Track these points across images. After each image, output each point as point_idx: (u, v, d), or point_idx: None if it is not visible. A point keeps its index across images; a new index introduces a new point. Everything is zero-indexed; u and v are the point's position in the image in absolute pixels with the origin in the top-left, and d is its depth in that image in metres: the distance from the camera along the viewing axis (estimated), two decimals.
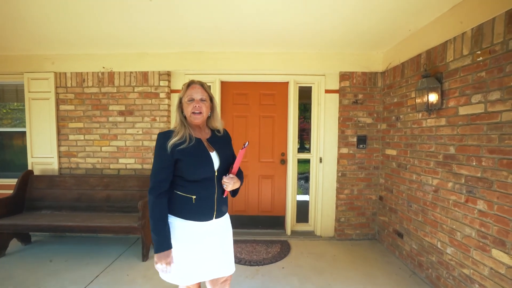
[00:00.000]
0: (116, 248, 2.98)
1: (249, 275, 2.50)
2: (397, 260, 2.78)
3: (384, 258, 2.84)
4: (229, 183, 1.36)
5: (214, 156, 1.39)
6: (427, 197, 2.34)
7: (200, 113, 1.35)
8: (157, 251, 1.29)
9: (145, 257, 2.72)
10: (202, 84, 1.39)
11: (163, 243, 1.29)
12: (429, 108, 2.19)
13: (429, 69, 2.26)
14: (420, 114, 2.44)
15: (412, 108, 2.57)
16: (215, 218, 1.39)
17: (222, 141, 1.47)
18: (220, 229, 1.43)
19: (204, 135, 1.44)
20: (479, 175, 1.80)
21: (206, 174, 1.34)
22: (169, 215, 1.35)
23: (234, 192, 1.49)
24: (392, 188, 2.94)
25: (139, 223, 2.65)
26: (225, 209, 1.48)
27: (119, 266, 2.61)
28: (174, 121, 1.43)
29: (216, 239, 1.40)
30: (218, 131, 1.49)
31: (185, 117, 1.39)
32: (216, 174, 1.37)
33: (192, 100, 1.34)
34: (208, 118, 1.45)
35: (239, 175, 1.46)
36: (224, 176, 1.37)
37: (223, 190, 1.40)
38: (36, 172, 3.28)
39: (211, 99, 1.42)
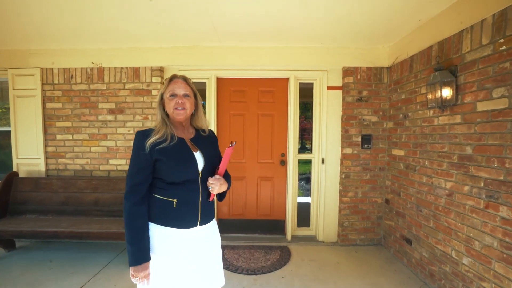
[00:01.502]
0: (105, 255, 2.80)
1: (246, 285, 2.31)
2: (405, 268, 2.59)
3: (391, 265, 2.65)
4: (215, 184, 1.24)
5: (198, 156, 1.27)
6: (440, 202, 2.14)
7: (184, 109, 1.24)
8: (132, 264, 1.14)
9: None
10: (185, 79, 1.28)
11: (140, 256, 1.15)
12: (443, 105, 2.00)
13: (442, 61, 2.07)
14: (432, 111, 2.25)
15: (422, 105, 2.38)
16: (200, 224, 1.26)
17: (207, 141, 1.36)
18: (205, 237, 1.29)
19: (188, 134, 1.32)
20: (501, 178, 1.61)
21: (189, 175, 1.22)
22: (151, 223, 1.21)
23: (221, 196, 1.37)
24: (400, 191, 2.75)
25: None
26: (212, 214, 1.34)
27: (107, 275, 2.43)
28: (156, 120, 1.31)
29: (201, 248, 1.27)
30: (203, 130, 1.38)
31: (167, 115, 1.27)
32: (200, 175, 1.25)
33: (174, 95, 1.23)
34: (192, 116, 1.34)
35: (226, 177, 1.34)
36: (209, 178, 1.26)
37: (209, 194, 1.28)
38: (21, 174, 3.10)
39: (195, 95, 1.31)
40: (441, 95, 1.97)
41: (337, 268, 2.62)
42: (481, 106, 1.75)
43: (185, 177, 1.21)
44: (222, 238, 3.15)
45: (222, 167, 1.28)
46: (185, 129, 1.33)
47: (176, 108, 1.22)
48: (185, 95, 1.25)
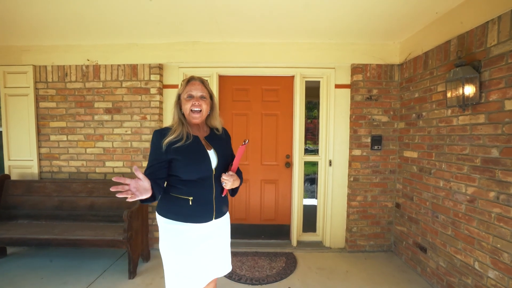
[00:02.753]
0: (101, 262, 2.65)
1: None
2: (420, 278, 2.43)
3: (403, 274, 2.50)
4: (229, 180, 1.29)
5: (211, 154, 1.33)
6: (459, 208, 1.99)
7: (200, 110, 1.30)
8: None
9: (132, 274, 2.38)
10: (202, 81, 1.34)
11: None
12: (464, 103, 1.84)
13: (463, 56, 1.91)
14: (450, 111, 2.09)
15: (439, 104, 2.22)
16: (215, 218, 1.34)
17: (220, 140, 1.42)
18: (219, 230, 1.39)
19: (202, 133, 1.39)
20: None
21: (203, 173, 1.28)
22: (165, 219, 1.30)
23: (233, 191, 1.43)
24: (412, 195, 2.59)
25: (125, 235, 2.32)
26: (226, 208, 1.43)
27: (102, 285, 2.28)
28: (171, 119, 1.37)
29: (216, 240, 1.37)
30: (217, 129, 1.44)
31: (183, 115, 1.33)
32: (214, 173, 1.31)
33: (191, 97, 1.30)
34: (207, 116, 1.39)
35: (239, 174, 1.41)
36: (223, 174, 1.31)
37: (222, 189, 1.35)
38: (13, 177, 2.95)
39: (211, 96, 1.38)
40: (463, 93, 1.81)
41: (347, 277, 2.46)
42: (510, 105, 1.60)
43: (200, 175, 1.27)
44: None
45: (235, 164, 1.33)
46: (201, 128, 1.38)
47: (192, 110, 1.29)
48: (202, 97, 1.31)
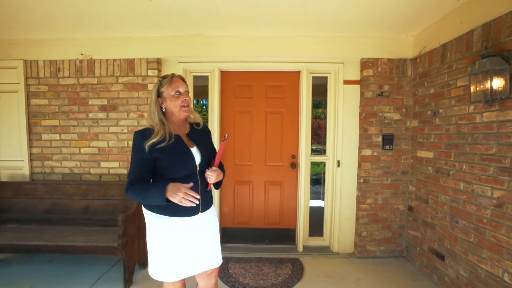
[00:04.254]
0: (95, 269, 2.48)
1: None
2: (436, 287, 2.27)
3: (419, 283, 2.33)
4: (213, 175, 1.35)
5: (194, 151, 1.37)
6: (485, 213, 1.82)
7: (188, 105, 1.35)
8: (165, 199, 1.22)
9: (128, 282, 2.22)
10: (182, 78, 1.39)
11: (160, 190, 1.23)
12: (492, 98, 1.67)
13: (490, 46, 1.74)
14: (472, 107, 1.92)
15: (459, 100, 2.05)
16: (201, 212, 1.39)
17: (201, 135, 1.46)
18: (207, 222, 1.43)
19: (183, 129, 1.42)
20: None
21: (188, 170, 1.33)
22: (153, 213, 1.34)
23: (217, 184, 1.47)
24: (428, 197, 2.42)
25: (120, 242, 2.15)
26: (210, 201, 1.48)
27: None
28: (148, 116, 1.37)
29: (203, 232, 1.41)
30: (198, 124, 1.49)
31: (163, 113, 1.35)
32: (198, 169, 1.36)
33: (180, 93, 1.33)
34: None
35: (221, 167, 1.47)
36: (207, 170, 1.37)
37: (207, 184, 1.40)
38: (3, 178, 2.80)
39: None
40: (491, 87, 1.64)
41: (358, 286, 2.30)
42: None
43: (185, 173, 1.31)
44: (226, 249, 2.86)
45: (217, 159, 1.38)
46: (181, 125, 1.41)
47: (183, 106, 1.33)
48: (187, 92, 1.36)
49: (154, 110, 1.31)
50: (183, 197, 1.20)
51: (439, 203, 2.27)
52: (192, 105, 1.46)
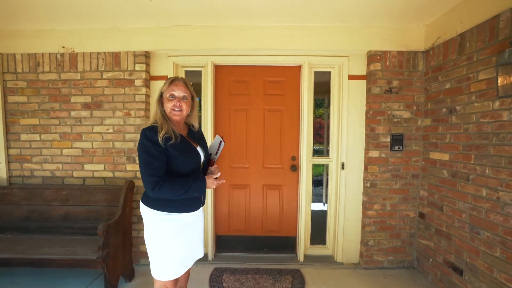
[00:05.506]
0: (75, 283, 2.25)
1: None
2: None
3: None
4: (217, 170, 1.50)
5: (199, 150, 1.46)
6: None
7: (180, 110, 1.38)
8: (205, 189, 1.40)
9: None
10: (185, 82, 1.41)
11: (202, 183, 1.37)
12: None
13: None
14: (498, 103, 1.69)
15: (481, 95, 1.82)
16: (202, 206, 1.52)
17: (199, 136, 1.56)
18: (201, 216, 1.56)
19: (183, 130, 1.48)
20: None
21: (195, 166, 1.42)
22: (157, 212, 1.37)
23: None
24: (442, 204, 2.19)
25: (99, 254, 1.92)
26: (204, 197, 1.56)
27: None
28: (153, 114, 1.42)
29: (200, 224, 1.55)
30: (193, 126, 1.55)
31: (164, 111, 1.40)
32: (201, 166, 1.47)
33: (173, 97, 1.37)
34: (187, 115, 1.48)
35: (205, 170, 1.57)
36: (210, 167, 1.52)
37: None
38: None
39: (193, 97, 1.46)
40: None
41: None
42: None
43: (193, 169, 1.41)
44: (221, 258, 2.63)
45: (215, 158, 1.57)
46: (180, 125, 1.46)
47: (173, 109, 1.37)
48: (184, 98, 1.39)
49: (156, 107, 1.40)
50: (216, 183, 1.42)
51: (456, 210, 2.04)
52: (195, 113, 1.51)
